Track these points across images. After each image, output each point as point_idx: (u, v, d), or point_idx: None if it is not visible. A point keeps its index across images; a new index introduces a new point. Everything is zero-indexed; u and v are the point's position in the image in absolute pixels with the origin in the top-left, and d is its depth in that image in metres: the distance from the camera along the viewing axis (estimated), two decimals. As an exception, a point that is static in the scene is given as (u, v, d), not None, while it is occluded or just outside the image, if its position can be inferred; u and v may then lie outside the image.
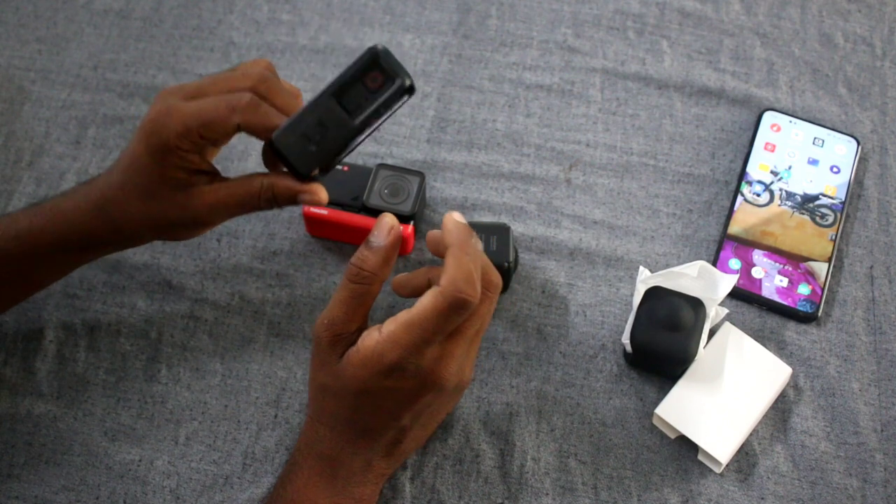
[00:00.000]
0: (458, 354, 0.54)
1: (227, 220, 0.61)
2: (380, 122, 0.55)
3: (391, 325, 0.52)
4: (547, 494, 0.62)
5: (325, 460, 0.56)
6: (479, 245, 0.54)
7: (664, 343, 0.63)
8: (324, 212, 0.68)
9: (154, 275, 0.70)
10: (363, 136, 0.55)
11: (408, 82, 0.53)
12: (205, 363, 0.67)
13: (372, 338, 0.53)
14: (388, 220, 0.54)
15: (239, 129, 0.55)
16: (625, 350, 0.65)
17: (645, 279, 0.65)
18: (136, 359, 0.67)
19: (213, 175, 0.58)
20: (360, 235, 0.69)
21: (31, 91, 0.79)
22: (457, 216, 0.54)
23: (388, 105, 0.54)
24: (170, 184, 0.57)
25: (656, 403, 0.64)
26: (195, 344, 0.67)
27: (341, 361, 0.54)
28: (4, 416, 0.64)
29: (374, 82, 0.53)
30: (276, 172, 0.58)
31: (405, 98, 0.54)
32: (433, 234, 0.56)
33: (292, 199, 0.57)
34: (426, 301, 0.52)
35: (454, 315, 0.52)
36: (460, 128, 0.76)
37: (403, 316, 0.52)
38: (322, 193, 0.57)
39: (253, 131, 0.55)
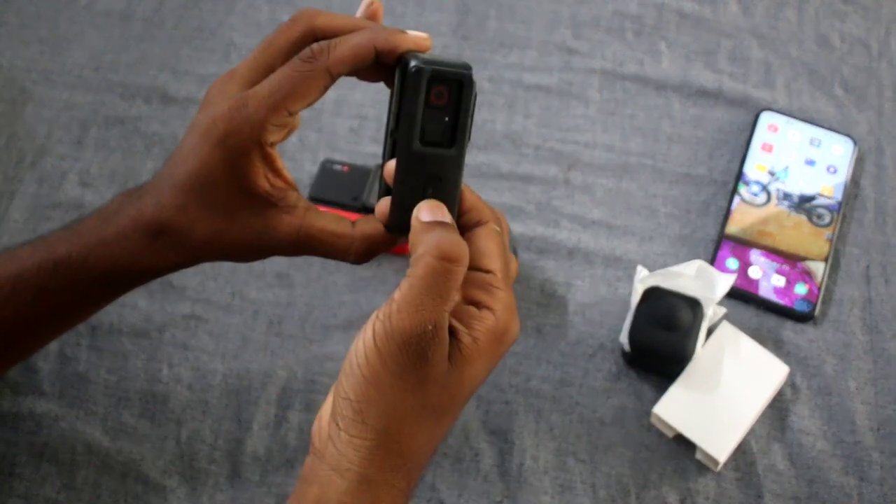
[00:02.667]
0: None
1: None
2: (472, 127, 0.48)
3: (497, 293, 0.45)
4: (546, 493, 0.62)
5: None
6: None
7: (662, 342, 0.63)
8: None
9: (155, 275, 0.70)
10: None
11: (467, 73, 0.46)
12: (205, 363, 0.67)
13: (483, 317, 0.44)
14: (433, 201, 0.46)
15: (330, 75, 0.47)
16: (623, 349, 0.65)
17: (643, 279, 0.65)
18: (137, 358, 0.67)
19: (295, 194, 0.50)
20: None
21: (33, 92, 0.79)
22: None
23: (468, 108, 0.46)
24: (249, 198, 0.48)
25: (654, 402, 0.64)
26: (196, 343, 0.68)
27: (454, 365, 0.44)
28: (7, 414, 0.65)
29: (440, 98, 0.46)
30: (370, 219, 0.50)
31: (475, 86, 0.47)
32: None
33: (391, 249, 0.51)
34: (492, 244, 0.46)
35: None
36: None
37: (496, 274, 0.45)
38: None
39: (344, 63, 0.47)
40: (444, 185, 0.47)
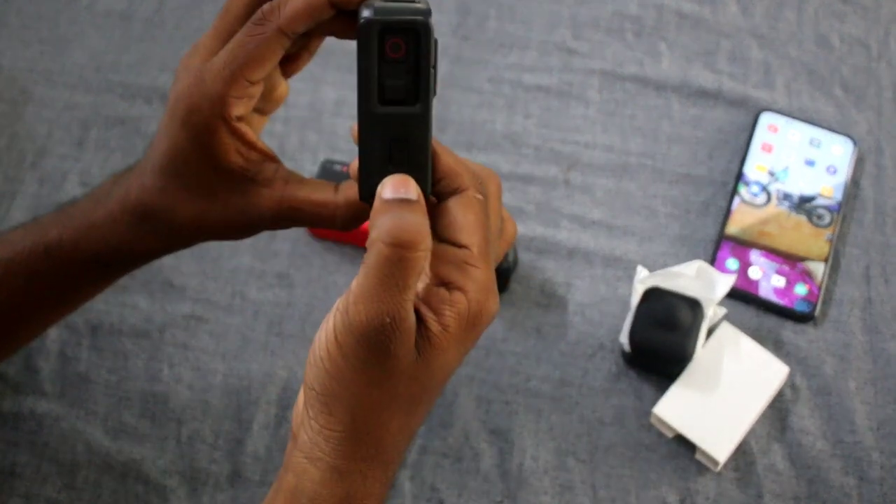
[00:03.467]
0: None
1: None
2: (436, 78, 0.43)
3: (471, 270, 0.41)
4: (546, 493, 0.62)
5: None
6: None
7: (662, 342, 0.63)
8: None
9: (156, 275, 0.70)
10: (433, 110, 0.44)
11: (421, 19, 0.41)
12: (206, 363, 0.67)
13: (454, 300, 0.41)
14: (401, 176, 0.42)
15: (285, 35, 0.44)
16: (623, 349, 0.66)
17: (643, 279, 0.65)
18: (137, 358, 0.67)
19: (273, 165, 0.48)
20: (361, 236, 0.69)
21: (34, 92, 0.79)
22: None
23: (428, 56, 0.42)
24: (226, 175, 0.47)
25: (654, 402, 0.64)
26: (196, 343, 0.68)
27: (422, 355, 0.41)
28: (7, 414, 0.65)
29: (396, 50, 0.41)
30: (354, 184, 0.47)
31: (433, 32, 0.42)
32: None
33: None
34: (470, 214, 0.42)
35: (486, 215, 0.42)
36: (460, 129, 0.77)
37: (471, 249, 0.41)
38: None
39: (298, 20, 0.44)
40: (411, 147, 0.42)
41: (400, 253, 0.39)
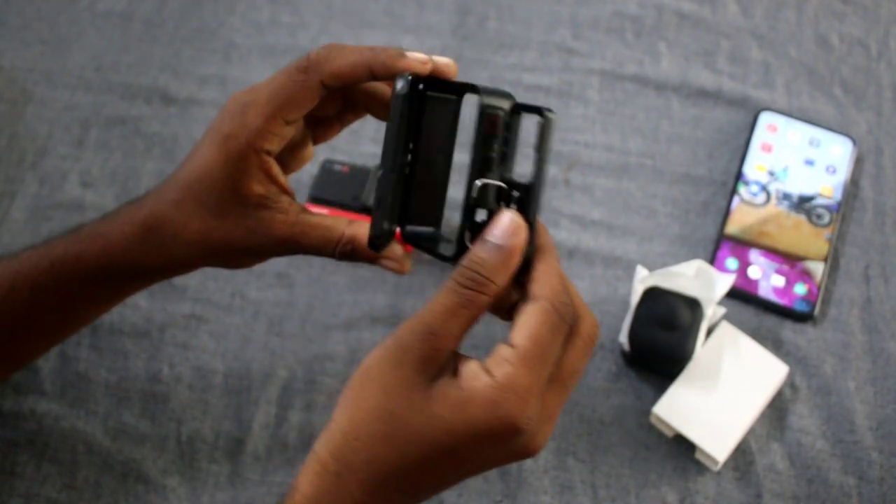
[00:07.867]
0: (558, 412, 0.43)
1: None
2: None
3: (505, 365, 0.41)
4: (546, 493, 0.62)
5: None
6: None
7: (661, 342, 0.63)
8: (323, 211, 0.69)
9: (156, 275, 0.70)
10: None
11: (510, 100, 0.47)
12: (206, 363, 0.67)
13: (479, 378, 0.41)
14: (511, 217, 0.43)
15: (324, 87, 0.49)
16: (623, 349, 0.66)
17: (643, 279, 0.66)
18: (137, 358, 0.67)
19: (289, 198, 0.51)
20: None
21: (34, 92, 0.79)
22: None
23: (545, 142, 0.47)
24: (243, 201, 0.49)
25: (654, 402, 0.64)
26: (196, 343, 0.68)
27: (432, 388, 0.41)
28: (8, 414, 0.65)
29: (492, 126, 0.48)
30: (360, 223, 0.50)
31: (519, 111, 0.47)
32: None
33: (372, 260, 0.50)
34: (535, 319, 0.42)
35: (561, 338, 0.42)
36: (460, 128, 0.77)
37: (516, 349, 0.41)
38: (407, 263, 0.50)
39: (339, 77, 0.48)
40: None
41: (479, 297, 0.42)
